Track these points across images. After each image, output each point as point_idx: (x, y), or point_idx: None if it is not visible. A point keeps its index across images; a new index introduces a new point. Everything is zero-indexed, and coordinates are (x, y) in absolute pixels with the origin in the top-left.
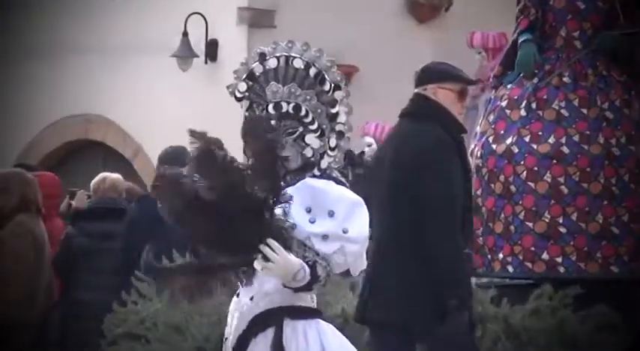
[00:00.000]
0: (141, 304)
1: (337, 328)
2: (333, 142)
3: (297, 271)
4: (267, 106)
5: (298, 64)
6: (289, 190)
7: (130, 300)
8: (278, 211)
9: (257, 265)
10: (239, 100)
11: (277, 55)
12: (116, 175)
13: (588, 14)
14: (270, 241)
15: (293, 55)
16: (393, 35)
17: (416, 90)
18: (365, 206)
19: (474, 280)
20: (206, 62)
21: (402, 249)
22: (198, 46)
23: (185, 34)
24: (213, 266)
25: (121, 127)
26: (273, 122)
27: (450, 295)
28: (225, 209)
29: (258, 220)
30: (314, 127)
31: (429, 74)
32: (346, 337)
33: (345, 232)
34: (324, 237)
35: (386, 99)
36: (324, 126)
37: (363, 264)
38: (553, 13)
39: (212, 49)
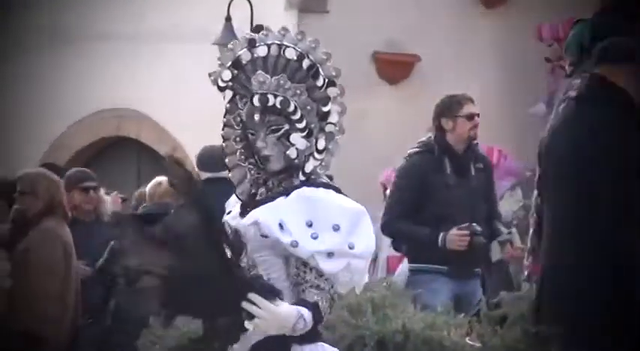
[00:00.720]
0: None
1: (398, 346)
2: (321, 144)
3: (294, 323)
4: (251, 97)
5: (291, 54)
6: (282, 202)
7: None
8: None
9: (247, 325)
10: (222, 89)
11: (269, 42)
12: None
13: None
14: (252, 296)
15: (286, 43)
16: (458, 22)
17: (594, 70)
18: (368, 216)
19: None
20: None
21: (588, 247)
22: (243, 32)
23: (228, 19)
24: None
25: (157, 122)
26: (256, 117)
27: None
28: (193, 273)
29: (229, 278)
30: (301, 125)
31: (611, 53)
32: None
33: (351, 247)
34: (330, 254)
35: (450, 90)
36: (313, 125)
37: (365, 278)
38: None
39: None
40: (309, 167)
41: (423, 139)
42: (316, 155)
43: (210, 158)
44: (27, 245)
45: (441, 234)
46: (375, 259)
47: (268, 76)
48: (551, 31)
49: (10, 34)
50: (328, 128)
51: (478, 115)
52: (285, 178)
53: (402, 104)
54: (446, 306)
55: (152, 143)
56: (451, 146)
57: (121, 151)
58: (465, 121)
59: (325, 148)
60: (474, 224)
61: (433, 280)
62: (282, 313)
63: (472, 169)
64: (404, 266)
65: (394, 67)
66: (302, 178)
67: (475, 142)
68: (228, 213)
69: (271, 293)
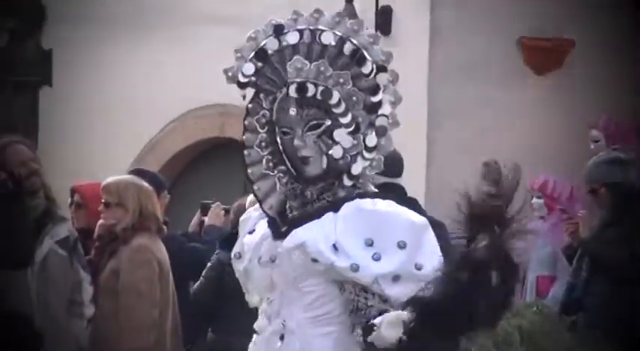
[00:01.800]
0: None
1: None
2: (371, 141)
3: None
4: (287, 86)
5: (328, 39)
6: (332, 218)
7: None
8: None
9: None
10: (242, 86)
11: (300, 27)
12: None
13: None
14: None
15: (321, 28)
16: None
17: None
18: (431, 230)
19: None
20: None
21: None
22: (367, 15)
23: (349, 0)
24: None
25: None
26: (292, 111)
27: None
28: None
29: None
30: (346, 119)
31: None
32: None
33: (418, 268)
34: (396, 278)
35: (612, 83)
36: (360, 119)
37: None
38: None
39: (384, 20)
40: (356, 169)
41: None
42: (365, 154)
43: (388, 161)
44: (116, 266)
45: None
46: (523, 279)
47: (307, 62)
48: None
49: (95, 19)
50: (379, 121)
51: None
52: (327, 188)
53: (553, 97)
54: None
55: None
56: None
57: (224, 156)
58: None
59: (376, 145)
60: None
61: None
62: None
63: None
64: (557, 288)
65: (543, 55)
66: (347, 182)
67: None
68: (251, 232)
69: None
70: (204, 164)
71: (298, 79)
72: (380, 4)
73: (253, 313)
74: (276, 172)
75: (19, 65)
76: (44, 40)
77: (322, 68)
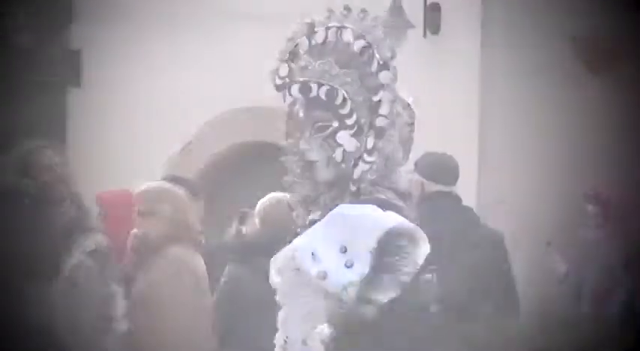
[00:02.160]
0: None
1: None
2: (370, 143)
3: None
4: (289, 87)
5: (348, 36)
6: (319, 225)
7: None
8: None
9: None
10: (279, 89)
11: (330, 25)
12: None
13: None
14: None
15: (346, 25)
16: None
17: None
18: (423, 236)
19: None
20: (425, 35)
21: None
22: (415, 12)
23: None
24: None
25: None
26: (300, 112)
27: None
28: None
29: None
30: (351, 121)
31: None
32: None
33: None
34: None
35: None
36: (363, 120)
37: None
38: None
39: (433, 18)
40: (356, 173)
41: None
42: (366, 157)
43: (443, 168)
44: (148, 278)
45: None
46: (578, 288)
47: (312, 61)
48: None
49: (126, 17)
50: (379, 122)
51: None
52: (338, 195)
53: (610, 97)
54: None
55: None
56: None
57: (261, 161)
58: None
59: (374, 147)
60: None
61: None
62: None
63: None
64: (615, 299)
65: (600, 54)
66: (352, 188)
67: None
68: (289, 242)
69: None
70: (240, 169)
71: (302, 79)
72: (428, 1)
73: (269, 328)
74: (304, 178)
75: (46, 66)
76: (72, 40)
77: (327, 67)
